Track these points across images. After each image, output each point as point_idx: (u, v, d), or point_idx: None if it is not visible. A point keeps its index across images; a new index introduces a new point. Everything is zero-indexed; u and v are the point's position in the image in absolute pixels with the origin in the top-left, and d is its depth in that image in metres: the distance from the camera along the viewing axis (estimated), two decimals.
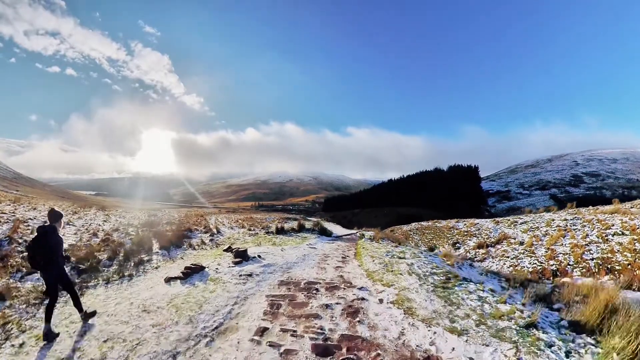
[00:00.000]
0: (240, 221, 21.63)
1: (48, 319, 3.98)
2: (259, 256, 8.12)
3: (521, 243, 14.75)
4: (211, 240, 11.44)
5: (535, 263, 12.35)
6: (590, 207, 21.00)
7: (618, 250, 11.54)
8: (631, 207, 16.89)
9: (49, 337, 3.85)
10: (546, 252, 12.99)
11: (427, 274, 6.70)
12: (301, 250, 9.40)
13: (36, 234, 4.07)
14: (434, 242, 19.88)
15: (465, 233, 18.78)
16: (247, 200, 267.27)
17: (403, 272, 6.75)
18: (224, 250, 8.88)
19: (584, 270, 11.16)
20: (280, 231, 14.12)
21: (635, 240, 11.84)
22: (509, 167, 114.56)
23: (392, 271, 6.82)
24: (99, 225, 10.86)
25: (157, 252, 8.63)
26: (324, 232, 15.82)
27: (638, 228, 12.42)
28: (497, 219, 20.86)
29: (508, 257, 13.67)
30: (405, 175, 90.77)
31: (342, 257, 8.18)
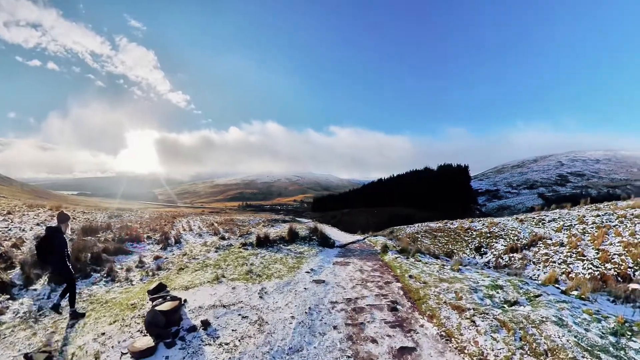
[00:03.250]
0: (216, 225, 19.15)
1: (72, 303, 4.99)
2: (205, 325, 4.25)
3: (562, 244, 13.73)
4: (156, 260, 8.87)
5: (590, 268, 11.18)
6: (606, 203, 21.15)
7: None
8: None
9: (75, 315, 4.88)
10: (597, 253, 11.98)
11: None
12: (298, 290, 5.57)
13: (45, 233, 4.94)
14: (450, 247, 18.48)
15: (488, 235, 17.60)
16: (235, 200, 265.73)
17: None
18: (149, 293, 5.37)
19: None
20: (264, 242, 10.48)
21: None
22: (496, 167, 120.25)
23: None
24: (24, 231, 9.52)
25: (35, 289, 5.77)
26: (326, 242, 12.58)
27: None
28: (519, 216, 19.96)
29: (554, 261, 12.45)
30: (395, 175, 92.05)
31: (392, 311, 4.61)
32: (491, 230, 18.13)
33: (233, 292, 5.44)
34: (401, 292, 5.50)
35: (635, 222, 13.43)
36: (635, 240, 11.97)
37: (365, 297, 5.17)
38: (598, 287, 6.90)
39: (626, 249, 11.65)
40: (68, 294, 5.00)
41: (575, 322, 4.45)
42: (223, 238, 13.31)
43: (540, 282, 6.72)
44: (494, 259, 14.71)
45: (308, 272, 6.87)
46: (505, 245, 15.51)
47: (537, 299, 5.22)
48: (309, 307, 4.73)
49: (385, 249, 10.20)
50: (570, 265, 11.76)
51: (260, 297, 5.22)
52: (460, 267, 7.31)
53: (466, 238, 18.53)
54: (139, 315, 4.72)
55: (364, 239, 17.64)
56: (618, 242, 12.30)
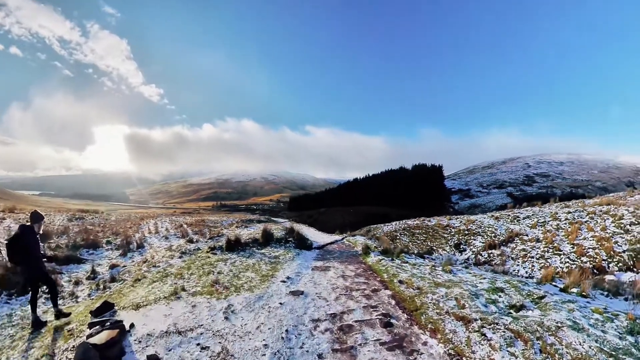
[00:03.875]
0: (185, 226, 17.93)
1: (33, 309, 4.60)
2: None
3: (538, 240, 13.92)
4: (112, 269, 7.78)
5: (567, 261, 11.46)
6: (574, 200, 22.30)
7: None
8: (628, 197, 17.84)
9: (37, 325, 4.47)
10: (573, 248, 12.21)
11: None
12: (273, 306, 4.66)
13: (17, 231, 4.68)
14: (429, 244, 18.41)
15: (467, 232, 17.65)
16: (209, 200, 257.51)
17: None
18: (91, 314, 4.58)
19: (620, 264, 10.62)
20: (235, 246, 9.32)
21: None
22: (468, 168, 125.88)
23: None
24: None
25: None
26: (303, 244, 11.57)
27: None
28: (495, 214, 20.37)
29: (532, 257, 12.57)
30: (370, 175, 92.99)
31: (387, 328, 3.90)
32: (469, 227, 18.17)
33: (193, 312, 4.42)
34: (393, 302, 4.77)
35: (605, 217, 13.88)
36: (607, 235, 12.30)
37: (353, 311, 4.37)
38: (597, 282, 6.62)
39: (599, 243, 11.94)
40: (50, 296, 4.85)
41: (590, 325, 4.04)
42: (191, 241, 12.15)
43: (536, 280, 6.35)
44: (473, 255, 14.64)
45: (284, 281, 5.92)
46: (483, 242, 15.52)
47: (542, 300, 4.79)
48: (286, 330, 3.82)
49: (366, 250, 9.45)
50: (548, 260, 11.90)
51: (226, 317, 4.21)
52: (451, 267, 6.76)
53: (445, 235, 18.46)
54: (74, 346, 3.65)
55: (343, 239, 16.93)
56: (591, 236, 12.60)
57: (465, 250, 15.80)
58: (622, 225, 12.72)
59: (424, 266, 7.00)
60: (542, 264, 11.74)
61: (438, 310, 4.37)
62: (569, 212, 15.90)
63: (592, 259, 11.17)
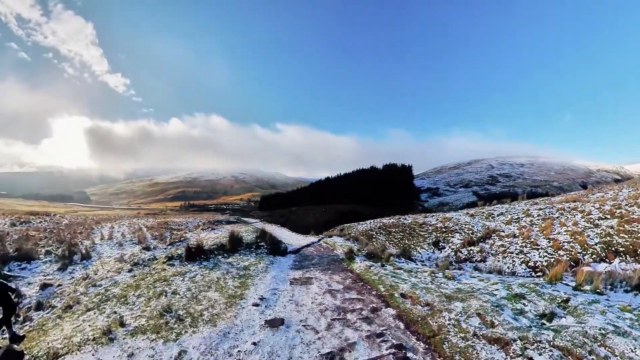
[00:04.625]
0: (144, 230, 16.00)
1: (9, 325, 4.12)
2: None
3: (514, 236, 13.96)
4: (43, 289, 6.20)
5: (546, 255, 11.50)
6: (541, 198, 23.33)
7: (613, 234, 11.73)
8: (590, 195, 18.78)
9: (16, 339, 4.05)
10: (549, 242, 12.35)
11: None
12: (244, 349, 3.35)
13: None
14: (406, 242, 18.04)
15: (444, 229, 17.47)
16: (177, 200, 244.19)
17: None
18: None
19: (594, 256, 10.81)
20: (197, 254, 7.84)
21: (623, 223, 12.33)
22: (435, 168, 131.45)
23: None
24: None
25: None
26: (276, 249, 10.17)
27: (615, 212, 13.11)
28: (470, 211, 20.55)
29: (511, 252, 12.52)
30: (342, 173, 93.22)
31: None
32: (446, 225, 18.01)
33: None
34: (401, 325, 3.77)
35: (574, 213, 14.25)
36: (579, 229, 12.52)
37: (354, 345, 3.27)
38: (607, 277, 6.24)
39: (573, 237, 12.11)
40: (4, 316, 4.11)
41: (629, 326, 3.59)
42: (147, 248, 10.46)
43: (546, 280, 5.82)
44: (453, 253, 14.35)
45: (257, 304, 4.60)
46: (461, 239, 15.33)
47: (568, 304, 4.33)
48: None
49: (350, 254, 8.41)
50: (528, 255, 11.87)
51: None
52: (453, 273, 5.99)
53: (422, 233, 18.15)
54: None
55: (319, 240, 15.79)
56: (564, 231, 12.80)
57: (444, 247, 15.50)
58: (591, 220, 13.04)
59: (421, 272, 6.14)
60: (523, 259, 11.68)
61: (463, 334, 3.47)
62: (540, 209, 16.23)
63: (568, 252, 11.33)
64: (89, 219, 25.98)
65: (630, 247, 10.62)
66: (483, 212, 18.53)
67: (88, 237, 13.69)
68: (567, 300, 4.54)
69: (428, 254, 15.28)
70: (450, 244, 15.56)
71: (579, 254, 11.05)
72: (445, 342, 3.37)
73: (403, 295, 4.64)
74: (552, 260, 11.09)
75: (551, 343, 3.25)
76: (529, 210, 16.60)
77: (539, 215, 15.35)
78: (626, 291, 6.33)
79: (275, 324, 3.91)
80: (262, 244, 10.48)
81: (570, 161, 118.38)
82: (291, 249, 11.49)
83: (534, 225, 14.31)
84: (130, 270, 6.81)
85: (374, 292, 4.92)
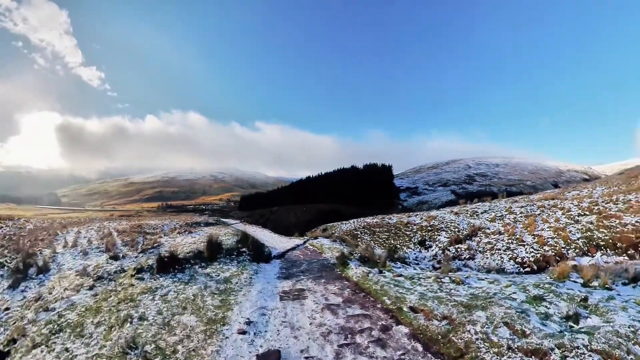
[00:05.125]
0: (115, 234, 14.69)
1: None
2: None
3: (500, 233, 14.02)
4: None
5: (532, 251, 11.57)
6: (520, 196, 24.10)
7: (593, 229, 12.04)
8: (566, 193, 19.47)
9: None
10: (534, 238, 12.43)
11: None
12: None
13: None
14: (392, 242, 17.81)
15: (430, 228, 17.37)
16: (153, 200, 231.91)
17: None
18: None
19: (577, 250, 11.03)
20: (170, 264, 6.87)
21: (601, 218, 12.71)
22: (414, 168, 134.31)
23: None
24: None
25: None
26: (260, 254, 9.23)
27: (594, 209, 13.54)
28: (454, 209, 20.70)
29: (499, 249, 12.53)
30: (323, 173, 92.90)
31: None
32: (431, 223, 17.91)
33: None
34: (419, 347, 3.21)
35: (555, 210, 14.56)
36: (561, 225, 12.75)
37: None
38: (615, 272, 6.12)
39: (556, 233, 12.31)
40: None
41: None
42: (115, 257, 9.36)
43: (553, 277, 5.61)
44: (441, 251, 14.20)
45: (244, 332, 3.76)
46: (448, 238, 15.22)
47: (588, 302, 4.26)
48: None
49: (343, 259, 7.72)
50: (515, 251, 11.94)
51: None
52: (460, 276, 5.54)
53: (407, 232, 17.94)
54: None
55: (305, 243, 14.94)
56: (547, 227, 12.99)
57: (431, 246, 15.32)
58: (571, 216, 13.33)
59: (424, 278, 5.64)
60: (510, 255, 11.73)
61: (496, 349, 3.03)
62: (522, 207, 16.49)
63: (552, 247, 11.53)
64: (56, 223, 23.76)
65: (610, 241, 10.94)
66: (467, 210, 18.64)
67: (50, 245, 12.31)
68: (586, 299, 4.39)
69: (415, 253, 15.05)
70: (437, 243, 15.40)
71: (563, 249, 11.26)
72: None
73: (413, 309, 4.07)
74: (539, 255, 11.27)
75: (588, 347, 3.03)
76: (511, 207, 16.83)
77: (521, 213, 15.57)
78: (624, 284, 6.32)
79: (269, 358, 3.12)
80: (244, 249, 9.57)
81: (542, 162, 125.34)
82: (275, 254, 10.71)
83: (518, 222, 14.47)
84: (91, 287, 5.79)
85: (378, 306, 4.32)
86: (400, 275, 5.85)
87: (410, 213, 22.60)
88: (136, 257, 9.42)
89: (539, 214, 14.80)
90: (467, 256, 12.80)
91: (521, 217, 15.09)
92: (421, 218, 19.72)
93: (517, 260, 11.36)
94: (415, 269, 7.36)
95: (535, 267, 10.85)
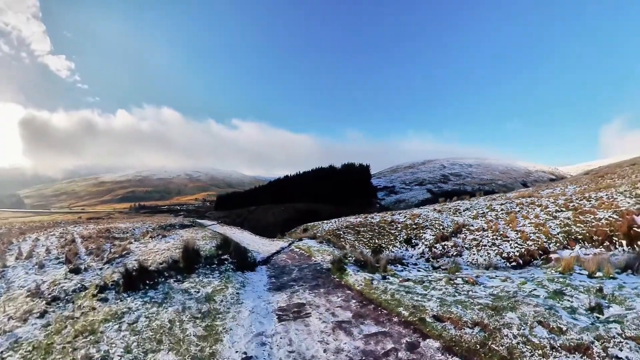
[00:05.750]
0: (78, 241, 13.23)
1: None
2: None
3: (484, 229, 14.24)
4: None
5: (517, 246, 11.77)
6: (497, 194, 24.86)
7: (571, 224, 12.48)
8: (541, 191, 20.30)
9: None
10: (517, 234, 12.72)
11: None
12: None
13: None
14: (376, 241, 17.59)
15: (414, 226, 17.32)
16: (126, 201, 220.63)
17: None
18: None
19: (557, 244, 11.32)
20: (140, 279, 5.78)
21: (577, 214, 13.21)
22: (391, 167, 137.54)
23: None
24: None
25: None
26: (244, 261, 8.34)
27: (569, 205, 14.09)
28: (437, 207, 20.88)
29: (484, 245, 12.64)
30: (301, 172, 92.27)
31: None
32: (415, 221, 17.86)
33: None
34: None
35: (533, 207, 15.01)
36: (541, 221, 13.08)
37: None
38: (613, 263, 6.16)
39: (537, 228, 12.61)
40: None
41: None
42: (77, 270, 8.15)
43: (559, 270, 5.49)
44: (427, 249, 14.11)
45: None
46: (434, 235, 15.19)
47: (603, 293, 4.32)
48: None
49: (339, 263, 7.02)
50: (500, 247, 12.09)
51: None
52: (464, 274, 5.17)
53: (392, 231, 17.77)
54: None
55: (290, 245, 14.07)
56: (528, 223, 13.31)
57: (417, 244, 15.20)
58: (550, 212, 13.74)
59: (435, 280, 5.17)
60: (496, 251, 11.85)
61: (540, 350, 2.85)
62: (501, 204, 16.87)
63: (535, 242, 11.80)
64: (15, 229, 21.21)
65: (587, 234, 11.33)
66: (449, 208, 18.84)
67: (1, 257, 10.69)
68: (601, 290, 4.43)
69: (401, 252, 14.87)
70: (423, 241, 15.31)
71: (545, 243, 11.56)
72: None
73: (437, 318, 3.56)
74: (523, 250, 11.49)
75: (622, 336, 3.08)
76: (491, 205, 17.17)
77: (502, 210, 15.89)
78: (618, 273, 6.38)
79: None
80: (226, 256, 8.66)
81: (512, 162, 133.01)
82: (260, 259, 9.85)
83: (500, 219, 14.72)
84: (43, 315, 4.70)
85: (395, 319, 3.76)
86: (408, 280, 5.35)
87: (394, 212, 22.54)
88: (101, 269, 8.25)
89: (518, 211, 15.16)
90: (455, 253, 12.77)
91: (502, 214, 15.39)
92: (405, 216, 19.66)
93: (503, 255, 11.49)
94: (419, 270, 6.93)
95: (521, 262, 11.00)
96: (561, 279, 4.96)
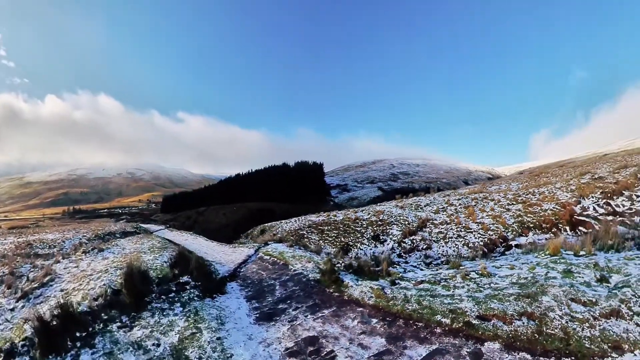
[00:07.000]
0: None
1: None
2: None
3: (447, 223, 15.01)
4: None
5: (480, 236, 12.48)
6: (452, 190, 26.68)
7: (523, 215, 13.75)
8: (489, 187, 22.17)
9: None
10: (479, 226, 13.56)
11: None
12: None
13: None
14: (342, 240, 17.31)
15: (380, 223, 17.43)
16: (58, 204, 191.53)
17: None
18: None
19: (514, 232, 12.26)
20: (66, 332, 3.90)
21: (527, 206, 14.62)
22: (343, 166, 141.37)
23: None
24: None
25: None
26: (208, 282, 6.72)
27: (518, 199, 15.56)
28: (398, 203, 21.44)
29: (451, 237, 13.18)
30: (253, 170, 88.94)
31: None
32: (380, 218, 17.98)
33: None
34: (527, 356, 2.49)
35: (486, 201, 16.16)
36: (497, 213, 14.08)
37: None
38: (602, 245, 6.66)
39: (495, 220, 13.51)
40: None
41: None
42: None
43: (549, 253, 5.71)
44: (397, 244, 14.18)
45: None
46: (400, 231, 15.37)
47: (600, 266, 4.74)
48: None
49: (331, 273, 5.87)
50: (465, 238, 12.62)
51: None
52: (485, 267, 5.01)
53: (357, 229, 17.62)
54: None
55: (256, 251, 11.54)
56: (486, 215, 14.21)
57: (386, 240, 15.20)
58: (503, 205, 14.91)
59: (450, 278, 4.71)
60: (463, 242, 12.35)
61: (587, 324, 3.17)
62: (458, 199, 17.89)
63: (495, 232, 12.57)
64: None
65: (537, 223, 12.50)
66: (410, 204, 19.39)
67: None
68: (597, 264, 4.78)
69: (370, 249, 14.77)
70: (390, 236, 15.37)
71: (504, 232, 12.40)
72: (584, 341, 2.89)
73: (482, 318, 3.09)
74: (486, 239, 12.12)
75: (637, 295, 3.56)
76: (449, 200, 18.09)
77: (460, 204, 16.82)
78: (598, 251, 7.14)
79: None
80: (185, 278, 6.74)
81: (455, 163, 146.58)
82: (225, 272, 8.12)
83: (460, 213, 15.52)
84: None
85: (437, 329, 3.16)
86: (422, 282, 4.85)
87: (357, 209, 22.54)
88: (12, 309, 6.05)
89: (474, 205, 16.17)
90: (425, 246, 13.00)
91: (461, 208, 16.26)
92: (369, 213, 19.71)
93: (469, 245, 12.00)
94: (423, 269, 6.55)
95: (485, 250, 11.65)
96: (560, 260, 5.15)
